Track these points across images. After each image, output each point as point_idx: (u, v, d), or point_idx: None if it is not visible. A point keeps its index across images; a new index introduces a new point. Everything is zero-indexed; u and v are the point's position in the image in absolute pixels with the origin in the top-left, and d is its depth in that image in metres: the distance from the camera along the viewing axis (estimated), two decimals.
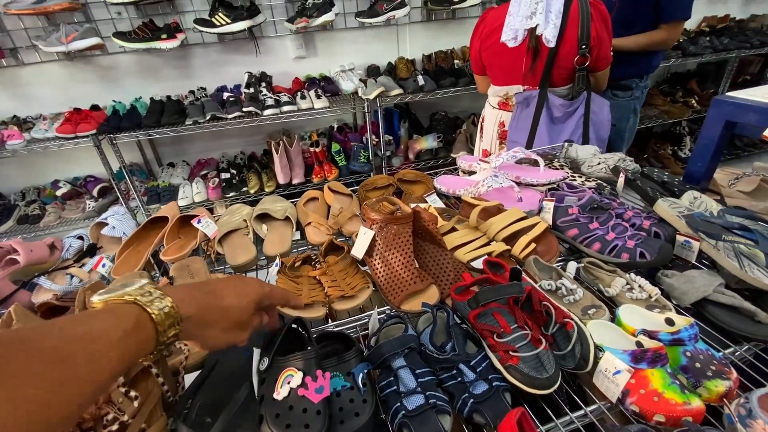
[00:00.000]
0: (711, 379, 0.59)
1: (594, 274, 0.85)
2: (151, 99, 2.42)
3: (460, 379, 0.63)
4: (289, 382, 0.55)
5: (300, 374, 0.55)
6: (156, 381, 0.56)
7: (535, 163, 1.23)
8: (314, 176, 2.67)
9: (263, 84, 2.52)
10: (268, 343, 0.63)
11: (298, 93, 2.50)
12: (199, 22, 2.31)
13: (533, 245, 0.90)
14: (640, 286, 0.78)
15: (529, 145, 1.64)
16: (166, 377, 0.60)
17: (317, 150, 2.66)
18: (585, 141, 1.61)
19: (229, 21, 2.31)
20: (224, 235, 1.07)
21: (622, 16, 1.87)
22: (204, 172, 2.74)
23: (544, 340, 0.65)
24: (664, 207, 0.91)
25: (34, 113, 2.40)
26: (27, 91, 2.40)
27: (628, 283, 0.80)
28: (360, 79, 2.66)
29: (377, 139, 2.72)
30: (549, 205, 0.97)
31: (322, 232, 1.06)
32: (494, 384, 0.61)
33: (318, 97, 2.47)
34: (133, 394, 0.52)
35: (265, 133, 2.96)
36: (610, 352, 0.62)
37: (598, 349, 0.64)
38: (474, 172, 1.29)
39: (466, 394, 0.60)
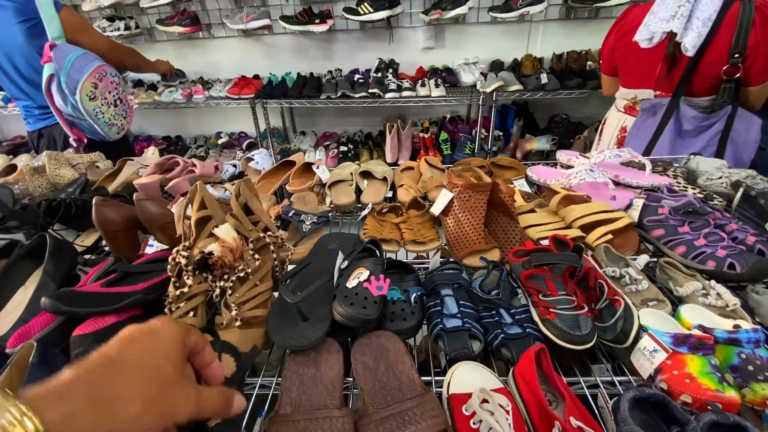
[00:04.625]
0: (761, 382, 0.57)
1: (668, 274, 0.82)
2: (298, 74, 2.86)
3: (497, 319, 0.71)
4: (358, 277, 0.71)
5: (368, 273, 0.71)
6: (271, 255, 0.79)
7: (641, 167, 1.18)
8: (419, 160, 2.82)
9: (390, 70, 2.75)
10: (350, 252, 0.81)
11: (419, 81, 2.67)
12: (347, 10, 2.64)
13: (610, 236, 0.91)
14: (718, 293, 0.75)
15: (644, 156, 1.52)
16: (277, 257, 0.82)
17: (426, 136, 2.81)
18: None
19: (372, 10, 2.58)
20: (333, 182, 1.29)
21: None
22: (327, 143, 3.13)
23: (586, 308, 0.69)
24: None
25: (214, 77, 3.04)
26: (212, 59, 3.05)
27: (704, 289, 0.76)
28: (481, 73, 2.71)
29: (486, 134, 2.75)
30: (638, 202, 0.95)
31: (410, 193, 1.21)
32: (527, 330, 0.69)
33: (437, 86, 2.61)
34: (256, 256, 0.75)
35: (383, 116, 3.22)
36: (652, 332, 0.63)
37: (642, 329, 0.66)
38: (572, 167, 1.29)
39: (500, 330, 0.69)
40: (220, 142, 3.08)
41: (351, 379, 0.66)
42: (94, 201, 0.87)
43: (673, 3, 1.30)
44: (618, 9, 2.56)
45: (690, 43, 1.27)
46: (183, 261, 0.71)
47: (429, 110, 3.22)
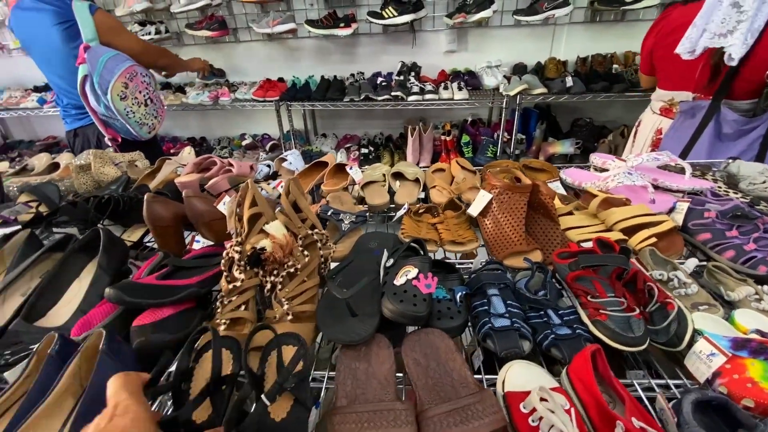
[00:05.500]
0: None
1: (718, 278, 0.81)
2: (322, 77, 2.90)
3: (546, 319, 0.71)
4: (406, 275, 0.72)
5: (416, 271, 0.72)
6: (318, 252, 0.80)
7: (681, 170, 1.16)
8: (440, 162, 2.83)
9: (412, 73, 2.77)
10: (394, 251, 0.82)
11: (442, 84, 2.68)
12: (371, 14, 2.67)
13: (654, 239, 0.90)
14: None
15: (681, 159, 1.50)
16: (322, 254, 0.83)
17: (448, 139, 2.81)
18: None
19: (396, 14, 2.60)
20: (366, 183, 1.31)
21: None
22: (348, 145, 3.15)
23: (637, 310, 0.68)
24: None
25: (239, 80, 3.10)
26: (237, 62, 3.11)
27: (757, 293, 0.75)
28: (504, 76, 2.71)
29: (509, 137, 2.74)
30: (683, 206, 0.93)
31: (444, 195, 1.22)
32: (577, 331, 0.68)
33: (459, 89, 2.61)
34: (305, 252, 0.76)
35: (404, 119, 3.23)
36: (709, 335, 0.63)
37: (697, 332, 0.65)
38: (606, 170, 1.28)
39: (549, 331, 0.69)
40: (243, 143, 3.14)
41: (400, 375, 0.67)
42: (146, 197, 0.90)
43: (726, 18, 1.26)
44: (646, 12, 2.54)
45: (737, 54, 1.24)
46: (236, 256, 0.73)
47: (449, 113, 3.22)
